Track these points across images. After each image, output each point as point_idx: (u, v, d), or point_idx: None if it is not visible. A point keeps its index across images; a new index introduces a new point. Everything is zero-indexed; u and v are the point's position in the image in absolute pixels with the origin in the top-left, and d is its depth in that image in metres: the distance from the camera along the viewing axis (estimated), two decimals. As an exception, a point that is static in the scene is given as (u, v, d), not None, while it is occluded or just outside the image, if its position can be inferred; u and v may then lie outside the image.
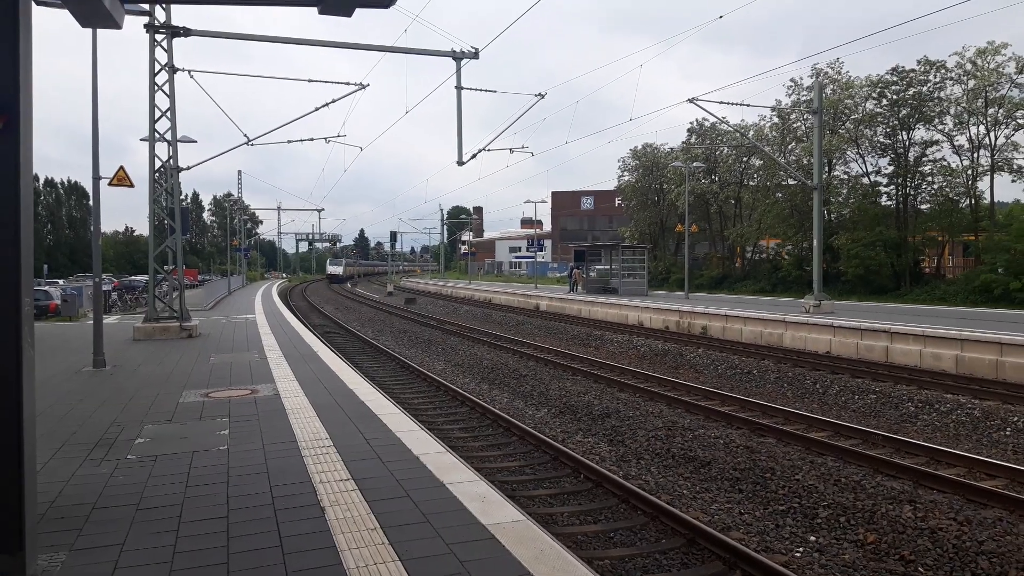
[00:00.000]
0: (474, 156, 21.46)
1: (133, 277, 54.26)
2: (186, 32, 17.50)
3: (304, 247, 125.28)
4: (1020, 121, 33.21)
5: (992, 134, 34.27)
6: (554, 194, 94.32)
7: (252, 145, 21.12)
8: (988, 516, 7.17)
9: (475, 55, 18.71)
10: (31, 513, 3.92)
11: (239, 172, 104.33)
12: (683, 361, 19.11)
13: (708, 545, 6.91)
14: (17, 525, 3.82)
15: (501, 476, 9.09)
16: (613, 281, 37.87)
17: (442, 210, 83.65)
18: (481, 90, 20.12)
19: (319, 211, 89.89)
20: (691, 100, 22.14)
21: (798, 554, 6.80)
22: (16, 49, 3.89)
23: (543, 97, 20.42)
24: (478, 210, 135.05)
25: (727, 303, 29.64)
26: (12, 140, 3.87)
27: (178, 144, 18.73)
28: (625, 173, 57.76)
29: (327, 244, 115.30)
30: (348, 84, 19.81)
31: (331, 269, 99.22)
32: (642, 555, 6.84)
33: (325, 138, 23.56)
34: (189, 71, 18.25)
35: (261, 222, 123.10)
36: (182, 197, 20.18)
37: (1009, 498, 7.56)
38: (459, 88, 19.50)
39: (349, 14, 5.45)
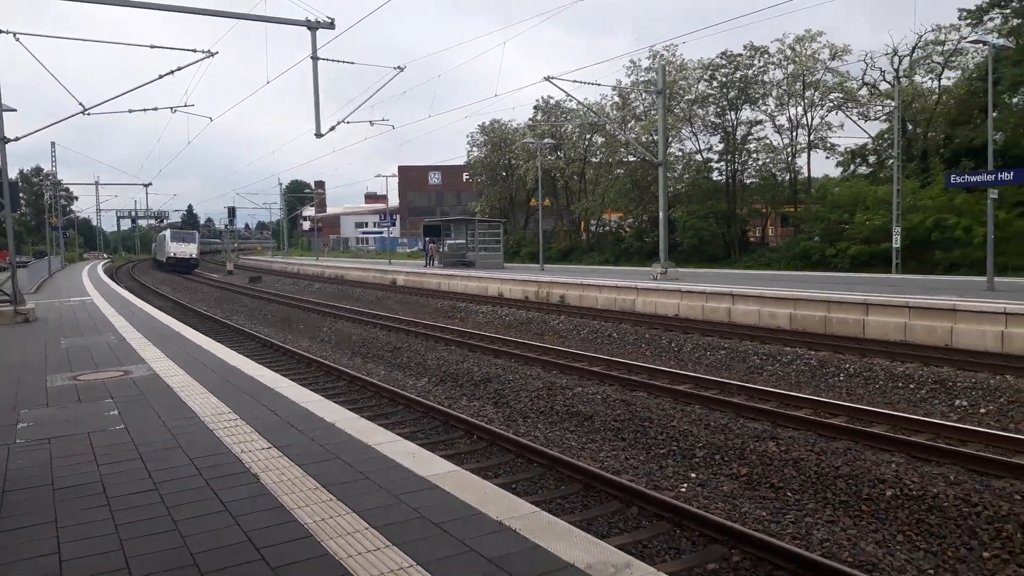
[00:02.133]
0: (332, 128, 21.07)
1: None
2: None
3: (128, 225, 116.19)
4: (833, 102, 36.86)
5: (809, 115, 37.88)
6: (401, 169, 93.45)
7: (88, 114, 19.56)
8: (839, 447, 8.30)
9: (331, 25, 18.31)
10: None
11: (52, 144, 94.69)
12: (547, 328, 19.95)
13: (604, 487, 7.53)
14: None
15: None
16: (470, 255, 38.42)
17: (281, 184, 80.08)
18: (337, 61, 19.93)
19: (146, 186, 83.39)
20: (548, 78, 22.88)
21: (683, 489, 7.57)
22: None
23: (402, 70, 20.39)
24: (320, 184, 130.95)
25: (580, 273, 31.00)
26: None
27: (1, 113, 17.04)
28: (474, 149, 58.37)
29: (152, 221, 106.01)
30: (195, 51, 18.78)
31: (175, 249, 63.66)
32: (546, 501, 7.35)
33: (171, 108, 22.17)
34: (15, 34, 16.61)
35: (76, 198, 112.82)
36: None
37: (854, 431, 8.81)
38: (315, 58, 19.04)
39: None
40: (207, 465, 5.54)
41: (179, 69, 19.24)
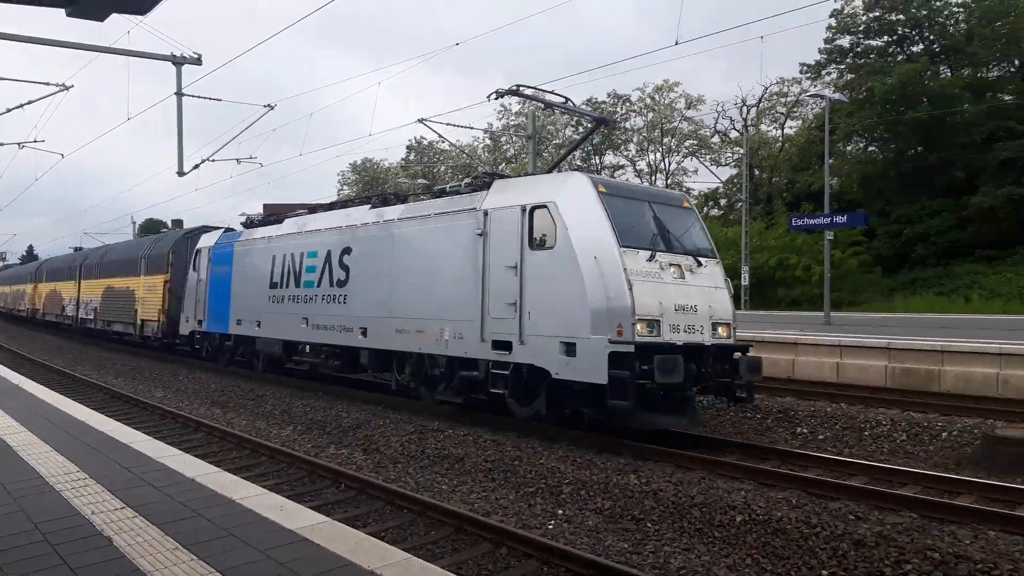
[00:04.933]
0: (196, 167, 20.36)
1: None
2: None
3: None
4: (688, 149, 39.42)
5: (666, 160, 40.28)
6: (266, 207, 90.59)
7: (-87, 148, 17.91)
8: (693, 477, 8.81)
9: (197, 61, 17.80)
10: None
11: None
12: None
13: (474, 529, 7.63)
14: None
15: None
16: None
17: (135, 223, 75.68)
18: (204, 97, 19.20)
19: (-22, 225, 76.45)
20: (421, 120, 23.20)
21: (551, 526, 7.79)
22: None
23: (272, 108, 20.04)
24: (178, 222, 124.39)
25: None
26: None
27: None
28: (345, 187, 57.82)
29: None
30: (48, 84, 17.74)
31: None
32: (417, 547, 7.35)
33: (18, 143, 20.68)
34: None
35: None
36: None
37: (707, 460, 9.39)
38: (179, 94, 18.42)
39: (102, 19, 5.24)
40: (54, 530, 5.21)
41: (30, 103, 18.11)
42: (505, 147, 44.73)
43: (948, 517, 7.44)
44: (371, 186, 54.93)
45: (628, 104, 40.25)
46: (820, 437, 11.65)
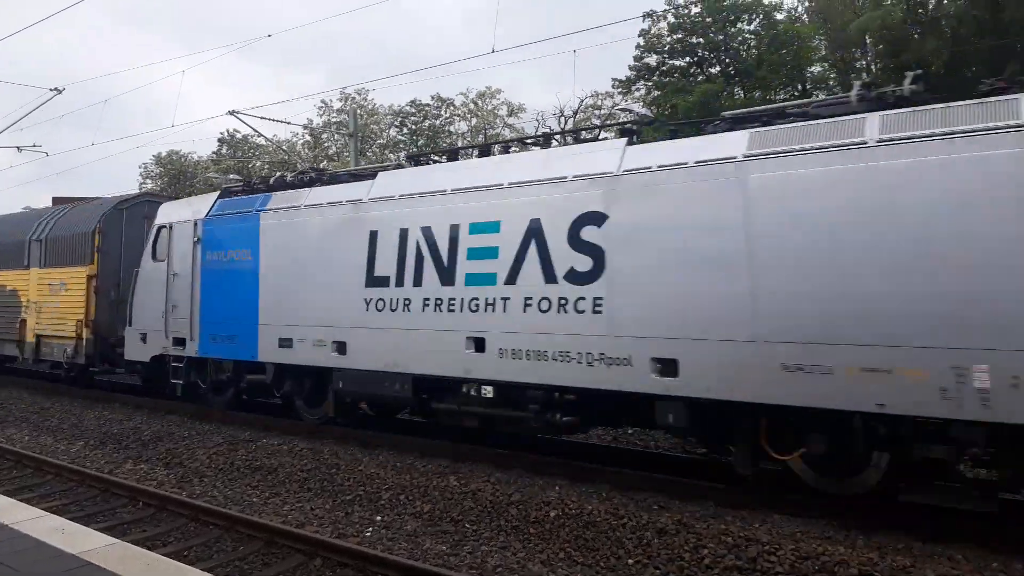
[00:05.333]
0: (-37, 155, 17.98)
1: None
2: None
3: None
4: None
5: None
6: (56, 200, 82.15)
7: None
8: (512, 476, 8.98)
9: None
10: None
11: None
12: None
13: (286, 542, 7.33)
14: None
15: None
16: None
17: None
18: (-27, 78, 17.01)
19: None
20: (231, 112, 21.98)
21: (368, 533, 7.63)
22: None
23: (60, 92, 18.20)
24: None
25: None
26: None
27: None
28: (148, 181, 53.57)
29: None
30: None
31: None
32: (223, 564, 6.93)
33: None
34: None
35: None
36: None
37: (523, 458, 9.61)
38: (-60, 73, 16.23)
39: None
40: None
41: None
42: (327, 143, 43.52)
43: (740, 503, 8.05)
44: (178, 180, 51.33)
45: (452, 108, 40.64)
46: (630, 432, 12.29)
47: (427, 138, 40.62)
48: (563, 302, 8.75)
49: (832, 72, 31.79)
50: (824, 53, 32.89)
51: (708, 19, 31.42)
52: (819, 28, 31.40)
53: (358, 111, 40.62)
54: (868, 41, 28.92)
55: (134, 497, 8.94)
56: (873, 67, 29.29)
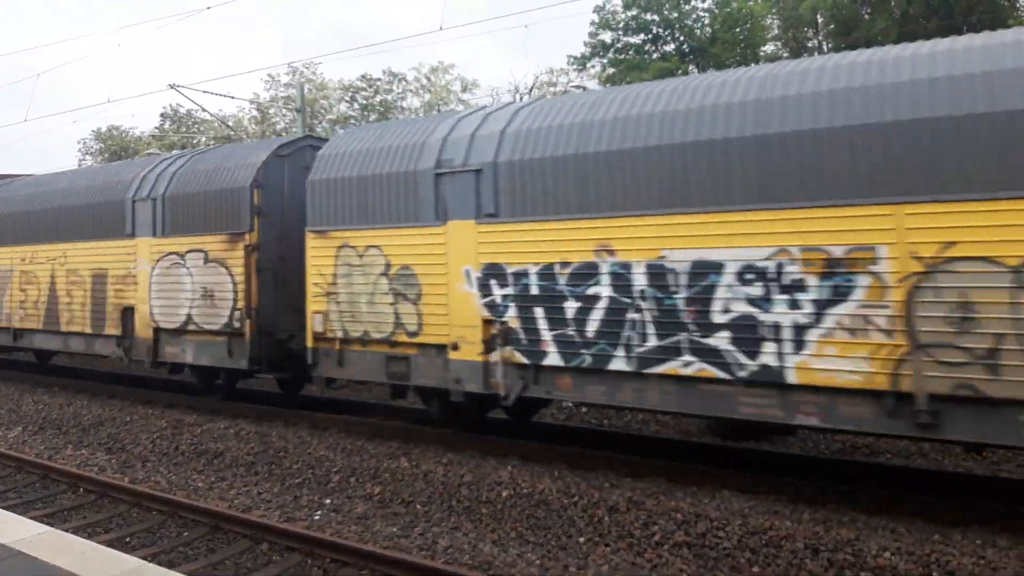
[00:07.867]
0: None
1: None
2: None
3: None
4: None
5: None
6: (-9, 179, 79.07)
7: None
8: (464, 456, 8.89)
9: None
10: None
11: None
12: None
13: (232, 527, 7.18)
14: None
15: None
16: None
17: None
18: None
19: None
20: (172, 86, 21.26)
21: (317, 517, 7.51)
22: None
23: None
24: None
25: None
26: None
27: None
28: (87, 157, 51.77)
29: None
30: None
31: None
32: (166, 551, 6.76)
33: None
34: None
35: None
36: None
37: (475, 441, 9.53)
38: None
39: None
40: None
41: None
42: (274, 119, 42.50)
43: (689, 479, 8.12)
44: (119, 156, 49.66)
45: (404, 83, 39.99)
46: (583, 410, 12.32)
47: (379, 113, 39.98)
48: None
49: (785, 51, 32.09)
50: (777, 32, 33.18)
51: (662, -4, 31.42)
52: (772, 7, 31.61)
53: (306, 85, 39.77)
54: (820, 20, 29.24)
55: (74, 484, 8.68)
56: (825, 46, 29.64)
